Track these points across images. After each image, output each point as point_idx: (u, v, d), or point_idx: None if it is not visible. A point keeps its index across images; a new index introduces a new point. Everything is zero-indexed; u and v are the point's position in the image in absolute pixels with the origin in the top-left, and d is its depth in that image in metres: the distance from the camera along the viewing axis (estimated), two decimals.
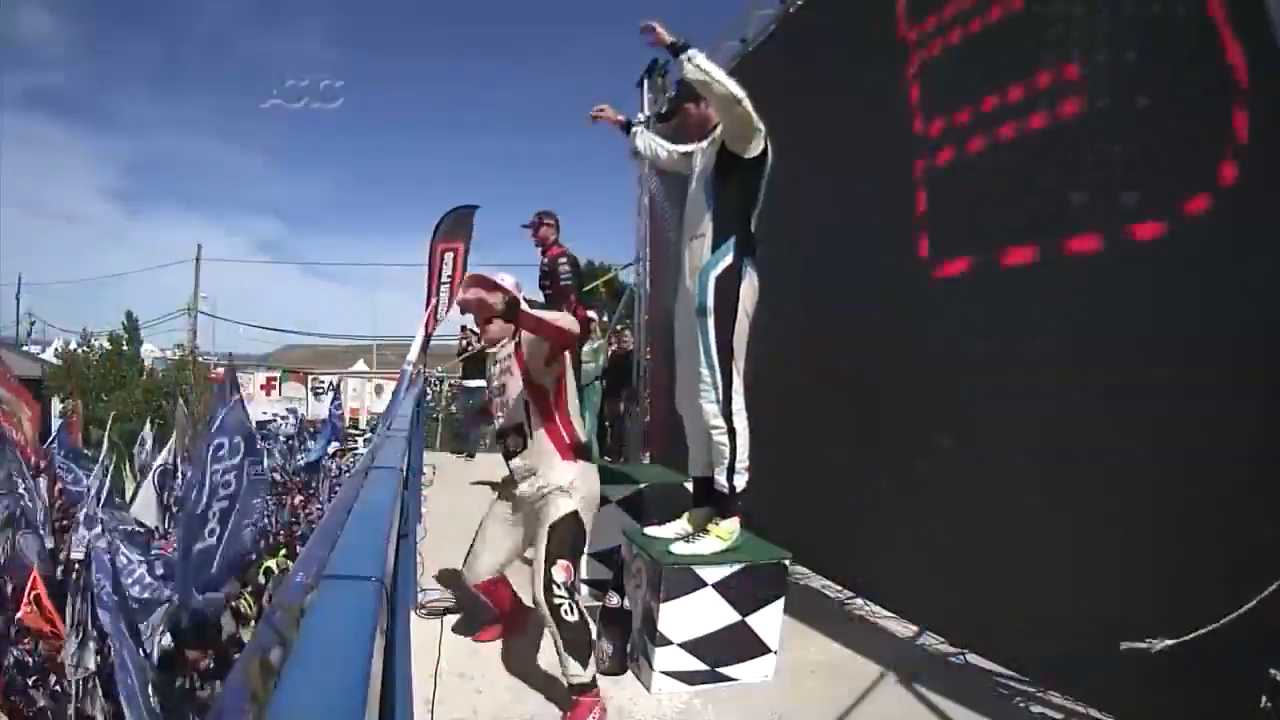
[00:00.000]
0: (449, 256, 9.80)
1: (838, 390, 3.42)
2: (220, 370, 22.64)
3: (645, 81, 5.90)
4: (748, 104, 2.44)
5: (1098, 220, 2.17)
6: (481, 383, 9.46)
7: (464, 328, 9.29)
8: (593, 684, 2.31)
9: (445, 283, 9.88)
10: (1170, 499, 1.97)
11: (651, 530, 2.88)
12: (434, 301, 9.40)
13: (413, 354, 6.56)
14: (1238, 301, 1.84)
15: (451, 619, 3.13)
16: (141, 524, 6.75)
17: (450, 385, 9.14)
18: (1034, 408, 2.38)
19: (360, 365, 23.10)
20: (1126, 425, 2.08)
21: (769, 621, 2.65)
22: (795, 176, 2.86)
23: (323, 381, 19.96)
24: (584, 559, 3.43)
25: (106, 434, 8.79)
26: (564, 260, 4.79)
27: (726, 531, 2.67)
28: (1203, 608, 1.77)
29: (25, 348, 21.72)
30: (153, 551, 5.05)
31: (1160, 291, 2.02)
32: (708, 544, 2.66)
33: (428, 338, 9.17)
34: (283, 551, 7.62)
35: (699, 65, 2.41)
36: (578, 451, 2.63)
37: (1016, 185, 2.46)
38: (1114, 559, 2.09)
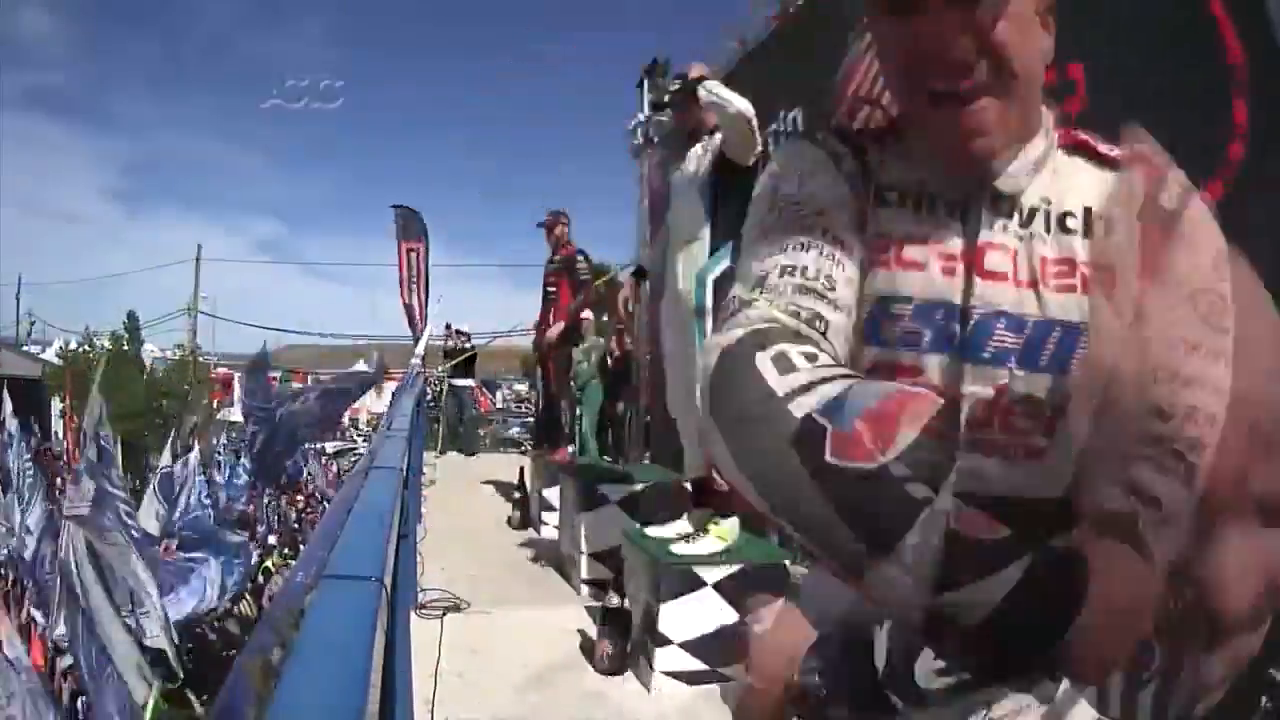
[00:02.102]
0: (413, 256, 10.09)
1: None
2: (221, 370, 22.67)
3: (645, 81, 5.91)
4: (755, 122, 2.52)
5: None
6: (469, 382, 9.49)
7: (448, 325, 9.31)
8: None
9: (414, 282, 10.11)
10: None
11: (651, 530, 2.88)
12: (415, 303, 9.62)
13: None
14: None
15: (451, 619, 3.13)
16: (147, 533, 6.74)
17: (437, 384, 9.18)
18: None
19: (360, 365, 23.06)
20: None
21: None
22: None
23: (322, 382, 19.96)
24: (583, 559, 3.44)
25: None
26: (581, 257, 4.90)
27: (726, 531, 2.67)
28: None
29: (25, 348, 21.72)
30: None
31: None
32: (707, 544, 2.66)
33: (416, 339, 9.28)
34: (287, 551, 7.63)
35: (711, 90, 2.57)
36: None
37: None
38: None
